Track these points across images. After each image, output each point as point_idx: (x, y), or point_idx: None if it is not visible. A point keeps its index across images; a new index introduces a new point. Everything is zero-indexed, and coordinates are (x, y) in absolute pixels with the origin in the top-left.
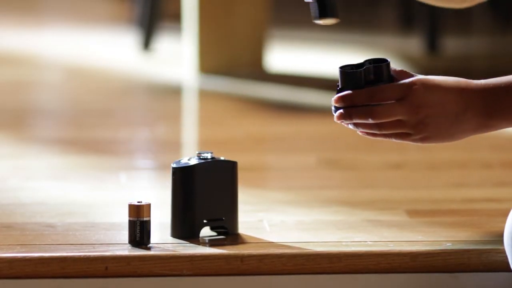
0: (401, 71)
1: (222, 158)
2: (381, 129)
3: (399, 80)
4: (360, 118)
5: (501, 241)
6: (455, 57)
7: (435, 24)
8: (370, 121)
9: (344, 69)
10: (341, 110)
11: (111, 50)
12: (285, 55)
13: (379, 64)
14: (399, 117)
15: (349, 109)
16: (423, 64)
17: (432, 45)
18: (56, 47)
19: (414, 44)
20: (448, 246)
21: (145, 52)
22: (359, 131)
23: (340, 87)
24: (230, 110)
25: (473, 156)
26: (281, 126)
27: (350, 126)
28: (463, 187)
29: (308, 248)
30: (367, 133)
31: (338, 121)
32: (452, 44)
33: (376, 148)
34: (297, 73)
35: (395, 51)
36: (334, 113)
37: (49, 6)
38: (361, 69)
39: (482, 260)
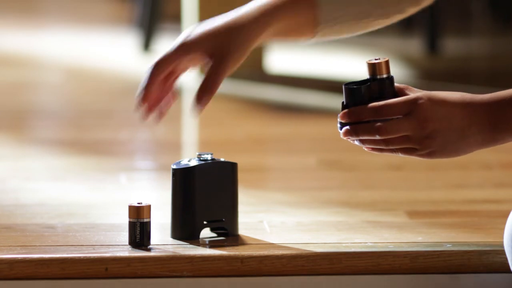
0: (405, 87)
1: (222, 159)
2: (388, 144)
3: (403, 95)
4: (366, 134)
5: (501, 242)
6: (455, 58)
7: (435, 25)
8: (377, 137)
9: (348, 86)
10: (347, 127)
11: (111, 51)
12: (285, 56)
13: (382, 80)
14: (405, 132)
15: (355, 126)
16: (423, 65)
17: (432, 46)
18: (56, 48)
19: (414, 45)
20: (448, 247)
21: (145, 53)
22: (365, 147)
23: (345, 103)
24: (230, 111)
25: (473, 157)
26: (281, 127)
27: (356, 143)
28: (463, 188)
29: (308, 249)
30: (373, 149)
31: (345, 138)
32: (452, 45)
33: None
34: (297, 74)
35: (396, 52)
36: (340, 130)
37: (49, 7)
38: (365, 85)
39: (482, 261)
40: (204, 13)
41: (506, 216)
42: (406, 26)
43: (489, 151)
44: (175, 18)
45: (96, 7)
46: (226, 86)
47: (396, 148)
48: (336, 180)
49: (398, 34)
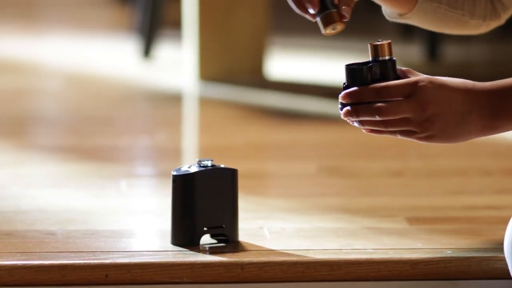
0: (407, 70)
1: (222, 165)
2: (387, 126)
3: (405, 78)
4: (367, 115)
5: (501, 249)
6: (455, 64)
7: (435, 32)
8: (377, 118)
9: (350, 67)
10: (348, 107)
11: (111, 57)
12: (285, 62)
13: (384, 62)
14: (406, 114)
15: (356, 106)
16: (424, 71)
17: (432, 52)
18: (57, 54)
19: (414, 51)
20: (448, 253)
21: (145, 60)
22: (363, 129)
23: (346, 84)
24: (230, 118)
25: (473, 163)
26: (281, 134)
27: (356, 124)
28: (463, 194)
29: (308, 255)
30: (372, 130)
31: (345, 118)
32: (452, 52)
33: (376, 156)
34: (297, 80)
35: (396, 58)
36: (340, 111)
37: (50, 14)
38: (366, 66)
39: (482, 268)
40: (205, 19)
41: (506, 222)
42: (406, 33)
43: (489, 157)
44: (175, 25)
45: (96, 14)
46: (226, 92)
47: (395, 130)
48: (336, 187)
49: (398, 40)
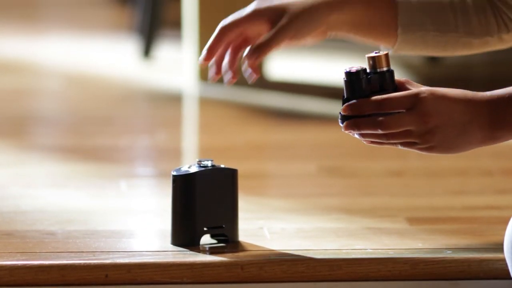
0: (406, 81)
1: (222, 165)
2: (389, 138)
3: (404, 89)
4: (368, 128)
5: (501, 249)
6: (455, 64)
7: None
8: (379, 131)
9: (348, 78)
10: (349, 121)
11: (111, 57)
12: (286, 63)
13: (383, 73)
14: (407, 127)
15: (357, 120)
16: (424, 72)
17: None
18: (57, 54)
19: None
20: (448, 253)
21: (145, 60)
22: (364, 141)
23: (345, 97)
24: (231, 118)
25: (474, 164)
26: (282, 134)
27: (356, 136)
28: (463, 194)
29: (308, 255)
30: (373, 142)
31: (346, 131)
32: None
33: (376, 156)
34: (297, 81)
35: (396, 59)
36: (341, 124)
37: (50, 14)
38: (365, 78)
39: (482, 268)
40: (205, 20)
41: (506, 222)
42: None
43: (490, 157)
44: (175, 25)
45: (96, 14)
46: (227, 93)
47: (396, 142)
48: (337, 187)
49: None
